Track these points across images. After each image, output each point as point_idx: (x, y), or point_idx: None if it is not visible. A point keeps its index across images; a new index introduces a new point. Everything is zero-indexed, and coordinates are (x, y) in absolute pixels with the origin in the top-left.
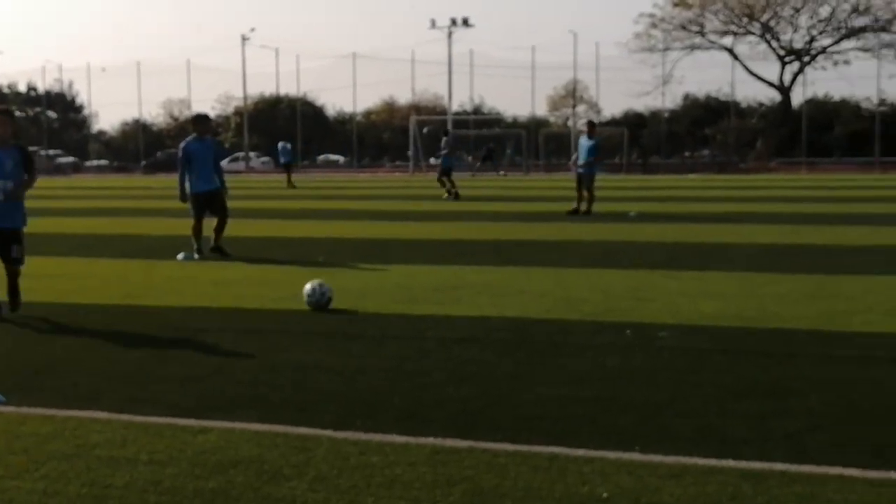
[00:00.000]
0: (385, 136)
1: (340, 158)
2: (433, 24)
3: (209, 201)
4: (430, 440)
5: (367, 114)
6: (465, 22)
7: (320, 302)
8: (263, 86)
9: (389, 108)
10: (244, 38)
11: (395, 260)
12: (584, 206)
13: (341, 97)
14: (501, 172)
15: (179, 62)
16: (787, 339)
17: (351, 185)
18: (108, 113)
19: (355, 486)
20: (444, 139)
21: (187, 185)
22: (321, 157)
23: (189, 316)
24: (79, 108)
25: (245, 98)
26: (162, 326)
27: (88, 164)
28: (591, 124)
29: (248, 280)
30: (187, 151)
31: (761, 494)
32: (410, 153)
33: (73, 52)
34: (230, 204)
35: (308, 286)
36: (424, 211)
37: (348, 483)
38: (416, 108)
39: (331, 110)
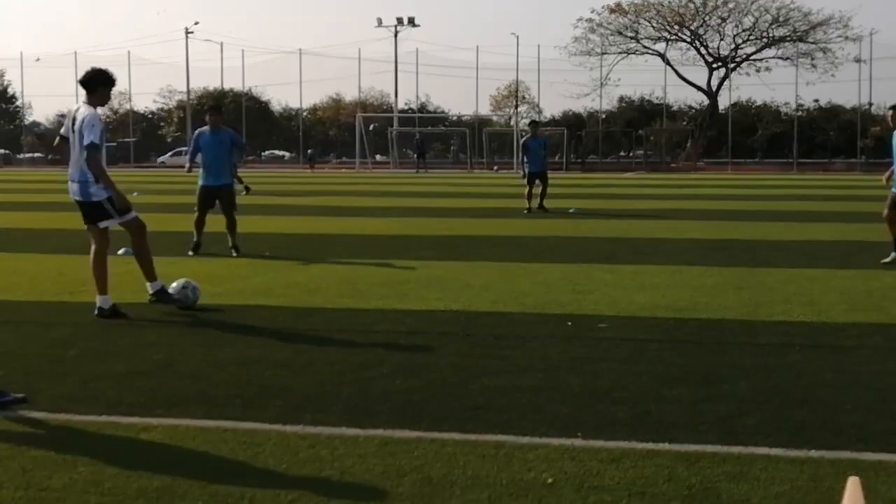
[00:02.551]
0: (331, 133)
1: (286, 154)
2: (379, 22)
3: (216, 197)
4: (379, 432)
5: (314, 110)
6: (412, 21)
7: (186, 302)
8: (208, 80)
9: (336, 105)
10: (188, 32)
11: (343, 255)
12: (535, 204)
13: (287, 93)
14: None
15: (120, 54)
16: (716, 328)
17: (297, 181)
18: (44, 104)
19: (305, 480)
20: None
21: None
22: (266, 153)
23: (130, 311)
24: (11, 99)
25: (188, 92)
26: (102, 323)
27: (21, 156)
28: (535, 124)
29: (192, 275)
30: (197, 142)
31: (695, 475)
32: (357, 149)
33: (6, 42)
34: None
35: (176, 284)
36: (371, 207)
37: (298, 477)
38: (362, 106)
39: (276, 106)
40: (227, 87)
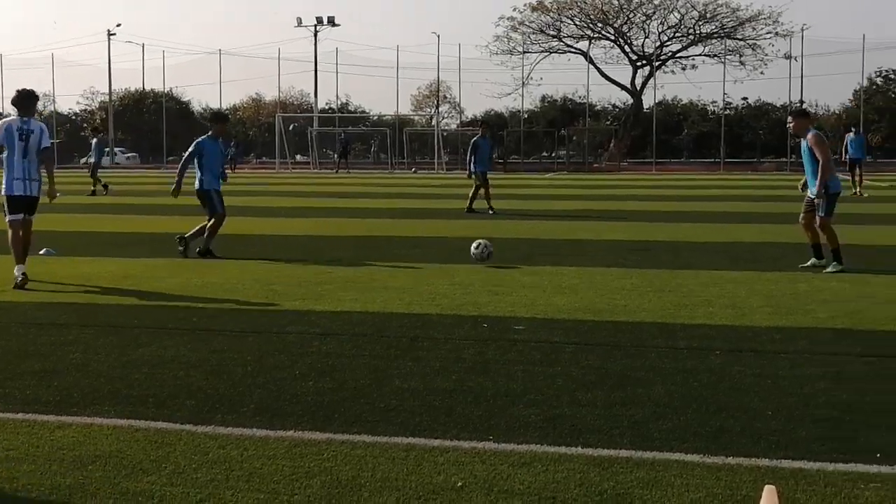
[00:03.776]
0: (251, 133)
1: None
2: (299, 22)
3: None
4: (290, 433)
5: (234, 110)
6: (331, 21)
7: (482, 257)
8: (129, 81)
9: (256, 105)
10: (110, 34)
11: (259, 255)
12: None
13: (207, 93)
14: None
15: (44, 56)
16: (634, 331)
17: None
18: None
19: (214, 480)
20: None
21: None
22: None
23: (47, 311)
24: None
25: (110, 93)
26: (19, 322)
27: None
28: (486, 125)
29: (109, 275)
30: (200, 147)
31: (607, 480)
32: (277, 149)
33: None
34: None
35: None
36: (291, 207)
37: (207, 477)
38: (282, 106)
39: (197, 106)
40: (148, 87)
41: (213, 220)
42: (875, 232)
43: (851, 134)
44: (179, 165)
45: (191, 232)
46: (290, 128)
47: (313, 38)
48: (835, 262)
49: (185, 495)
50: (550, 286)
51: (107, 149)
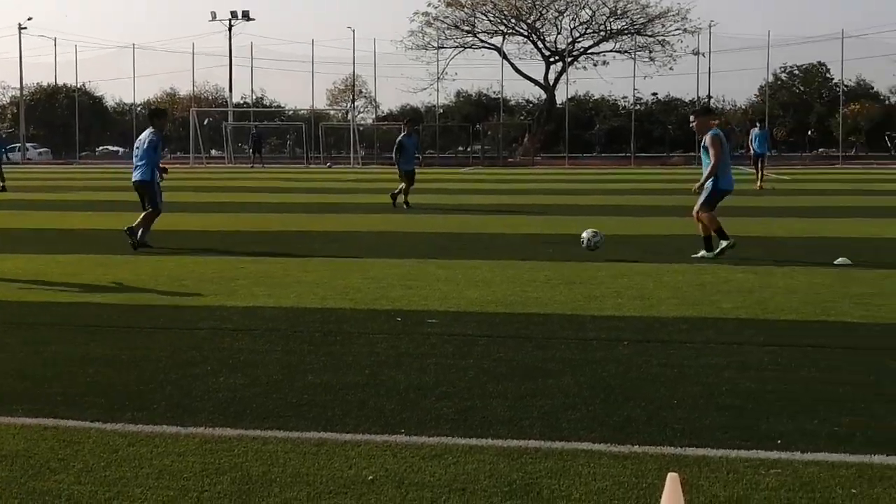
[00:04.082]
0: (166, 128)
1: (120, 150)
2: (214, 16)
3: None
4: (200, 430)
5: (148, 105)
6: (246, 15)
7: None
8: (41, 76)
9: (170, 100)
10: (21, 27)
11: (173, 251)
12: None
13: (121, 88)
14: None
15: None
16: (545, 323)
17: (128, 177)
18: None
19: (123, 478)
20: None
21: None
22: (100, 149)
23: None
24: None
25: (22, 88)
26: None
27: None
28: (411, 122)
29: (19, 272)
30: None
31: (517, 471)
32: (191, 144)
33: None
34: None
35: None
36: (205, 202)
37: (116, 475)
38: (196, 100)
39: (110, 101)
40: (60, 82)
41: (151, 212)
42: (778, 224)
43: (756, 129)
44: (155, 159)
45: (137, 223)
46: (205, 122)
47: (228, 33)
48: (723, 241)
49: (94, 494)
50: (464, 280)
51: (13, 144)
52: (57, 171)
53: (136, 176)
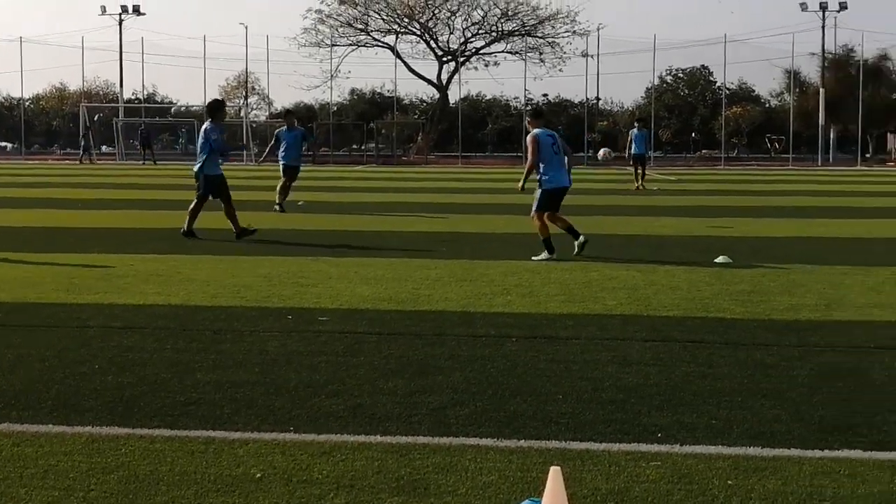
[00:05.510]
0: (55, 123)
1: (8, 145)
2: (103, 10)
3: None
4: (87, 429)
5: (37, 100)
6: (136, 10)
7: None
8: None
9: (60, 95)
10: None
11: (61, 248)
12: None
13: (8, 82)
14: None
15: None
16: (436, 320)
17: (18, 172)
18: None
19: (7, 478)
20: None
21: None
22: None
23: None
24: None
25: None
26: None
27: None
28: (290, 114)
29: None
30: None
31: (405, 467)
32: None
33: None
34: None
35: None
36: (94, 199)
37: None
38: (87, 95)
39: None
40: None
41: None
42: (662, 223)
43: (635, 129)
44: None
45: (187, 221)
46: (96, 118)
47: (118, 27)
48: (546, 252)
49: None
50: (356, 277)
51: None
52: None
53: (210, 170)
